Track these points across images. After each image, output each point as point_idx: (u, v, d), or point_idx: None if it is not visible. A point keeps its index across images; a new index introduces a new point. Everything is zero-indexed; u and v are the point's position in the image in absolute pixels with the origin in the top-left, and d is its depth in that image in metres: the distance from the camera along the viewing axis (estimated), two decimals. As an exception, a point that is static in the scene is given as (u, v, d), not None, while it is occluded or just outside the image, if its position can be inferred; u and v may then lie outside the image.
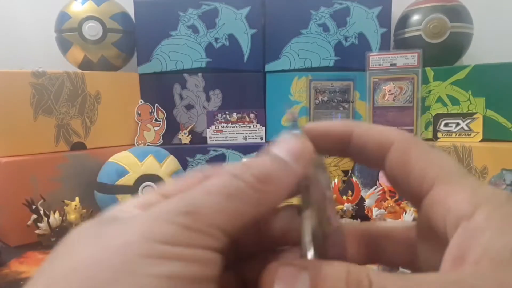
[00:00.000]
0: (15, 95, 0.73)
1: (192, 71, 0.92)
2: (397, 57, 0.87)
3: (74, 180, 0.78)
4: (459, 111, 0.85)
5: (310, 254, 0.16)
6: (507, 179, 0.75)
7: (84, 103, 0.83)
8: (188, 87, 0.92)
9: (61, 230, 0.70)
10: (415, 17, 0.89)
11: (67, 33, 0.89)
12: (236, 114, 0.92)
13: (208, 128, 0.92)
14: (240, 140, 0.92)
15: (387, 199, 0.75)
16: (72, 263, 0.13)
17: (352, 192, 0.80)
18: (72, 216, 0.71)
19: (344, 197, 0.80)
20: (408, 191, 0.17)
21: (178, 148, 0.89)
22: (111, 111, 0.87)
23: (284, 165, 0.16)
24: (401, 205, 0.72)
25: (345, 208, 0.78)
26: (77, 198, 0.73)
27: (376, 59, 0.88)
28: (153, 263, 0.13)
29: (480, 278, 0.12)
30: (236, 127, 0.92)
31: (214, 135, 0.92)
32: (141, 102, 0.91)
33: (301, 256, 0.16)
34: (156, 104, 0.91)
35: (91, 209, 0.75)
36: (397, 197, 0.74)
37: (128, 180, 0.72)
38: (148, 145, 0.90)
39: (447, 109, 0.86)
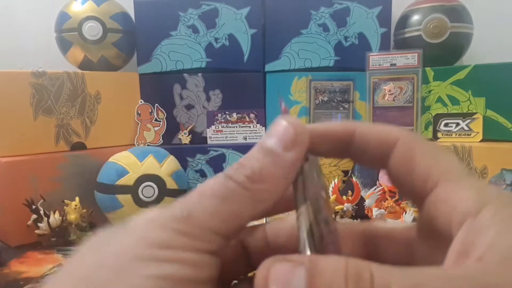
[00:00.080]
0: (15, 95, 0.73)
1: (192, 71, 0.92)
2: (397, 57, 0.87)
3: (74, 180, 0.78)
4: (459, 111, 0.85)
5: (307, 249, 0.15)
6: (507, 179, 0.75)
7: (84, 103, 0.83)
8: (188, 87, 0.92)
9: (61, 230, 0.70)
10: (415, 17, 0.89)
11: (67, 33, 0.89)
12: (236, 114, 0.92)
13: (208, 128, 0.92)
14: (240, 140, 0.92)
15: (387, 199, 0.75)
16: (77, 265, 0.15)
17: (352, 192, 0.80)
18: (72, 216, 0.71)
19: (344, 197, 0.80)
20: (411, 189, 0.17)
21: (178, 148, 0.89)
22: (111, 111, 0.87)
23: (276, 158, 0.16)
24: (401, 205, 0.72)
25: (345, 208, 0.78)
26: (77, 198, 0.73)
27: (376, 59, 0.88)
28: (147, 265, 0.14)
29: (490, 274, 0.12)
30: (236, 127, 0.92)
31: (214, 135, 0.92)
32: (141, 102, 0.91)
33: (299, 252, 0.15)
34: (156, 104, 0.91)
35: (91, 209, 0.75)
36: (397, 197, 0.74)
37: (128, 180, 0.72)
38: (148, 145, 0.90)
39: (447, 109, 0.86)
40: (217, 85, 0.92)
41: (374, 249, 0.19)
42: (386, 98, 0.88)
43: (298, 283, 0.12)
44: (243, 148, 0.89)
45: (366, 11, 0.89)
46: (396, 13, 0.92)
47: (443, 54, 0.89)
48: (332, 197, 0.80)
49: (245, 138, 0.92)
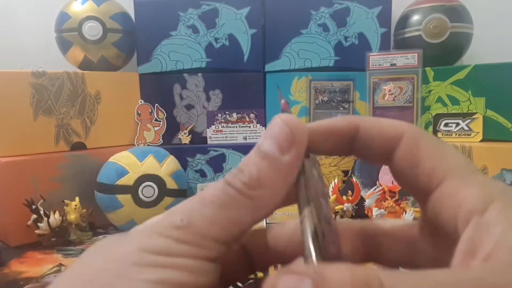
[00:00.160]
0: (15, 95, 0.73)
1: (192, 71, 0.92)
2: (397, 57, 0.87)
3: (74, 180, 0.78)
4: (459, 111, 0.85)
5: (313, 256, 0.15)
6: (507, 179, 0.75)
7: (84, 103, 0.83)
8: (188, 87, 0.92)
9: (61, 230, 0.70)
10: (415, 17, 0.89)
11: (67, 33, 0.89)
12: (236, 114, 0.92)
13: (208, 128, 0.92)
14: (240, 140, 0.92)
15: (387, 199, 0.75)
16: (79, 270, 0.15)
17: (352, 192, 0.80)
18: (72, 216, 0.71)
19: (344, 197, 0.80)
20: (415, 185, 0.17)
21: (178, 148, 0.89)
22: (111, 111, 0.87)
23: (272, 161, 0.16)
24: (401, 205, 0.72)
25: (345, 208, 0.78)
26: (77, 198, 0.73)
27: (376, 59, 0.88)
28: (145, 270, 0.14)
29: (497, 274, 0.12)
30: (236, 127, 0.92)
31: (214, 135, 0.92)
32: (141, 102, 0.91)
33: (304, 259, 0.15)
34: (156, 104, 0.91)
35: (91, 209, 0.75)
36: (397, 197, 0.74)
37: (128, 180, 0.72)
38: (148, 145, 0.90)
39: (447, 109, 0.86)
40: (217, 85, 0.92)
41: (375, 247, 0.19)
42: (386, 98, 0.88)
43: None
44: (243, 148, 0.89)
45: (366, 11, 0.89)
46: (396, 13, 0.92)
47: (443, 54, 0.89)
48: (332, 197, 0.80)
49: (245, 138, 0.92)
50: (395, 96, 0.88)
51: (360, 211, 0.79)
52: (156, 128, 0.91)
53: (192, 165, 0.89)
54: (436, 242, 0.17)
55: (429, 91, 0.87)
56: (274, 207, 0.16)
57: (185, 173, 0.86)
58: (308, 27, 0.90)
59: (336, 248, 0.16)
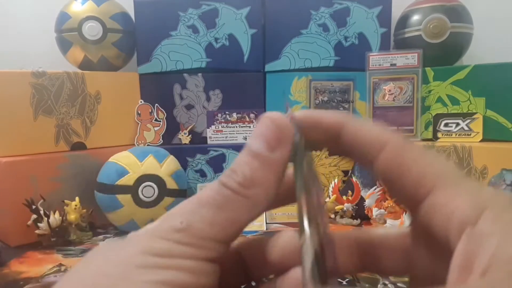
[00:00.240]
0: (15, 95, 0.73)
1: (192, 71, 0.92)
2: (397, 57, 0.87)
3: (74, 180, 0.78)
4: (459, 111, 0.85)
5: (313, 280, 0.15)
6: (507, 179, 0.75)
7: (84, 103, 0.83)
8: (188, 87, 0.92)
9: (61, 230, 0.70)
10: (415, 17, 0.89)
11: (67, 33, 0.89)
12: (236, 114, 0.92)
13: (208, 128, 0.92)
14: (240, 140, 0.92)
15: (387, 199, 0.75)
16: (83, 272, 0.16)
17: (352, 192, 0.80)
18: (72, 216, 0.71)
19: (344, 197, 0.80)
20: (403, 195, 0.16)
21: (178, 148, 0.89)
22: (111, 111, 0.87)
23: (263, 160, 0.16)
24: (401, 205, 0.72)
25: (345, 208, 0.78)
26: (77, 198, 0.73)
27: (376, 59, 0.88)
28: (148, 272, 0.15)
29: None
30: (236, 127, 0.92)
31: (214, 135, 0.92)
32: (141, 102, 0.91)
33: (302, 284, 0.15)
34: (156, 104, 0.91)
35: (91, 209, 0.75)
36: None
37: (128, 180, 0.72)
38: (148, 145, 0.90)
39: (447, 109, 0.86)
40: (217, 85, 0.92)
41: (370, 257, 0.19)
42: (386, 98, 0.88)
43: None
44: (243, 148, 0.89)
45: (366, 11, 0.89)
46: (396, 13, 0.92)
47: (443, 54, 0.89)
48: (332, 197, 0.80)
49: (245, 138, 0.92)
50: (395, 96, 0.88)
51: (360, 211, 0.79)
52: (156, 128, 0.91)
53: (192, 165, 0.89)
54: (430, 251, 0.17)
55: (429, 91, 0.87)
56: (268, 203, 0.17)
57: (185, 173, 0.86)
58: (308, 27, 0.90)
59: (332, 260, 0.16)
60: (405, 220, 0.71)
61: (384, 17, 0.89)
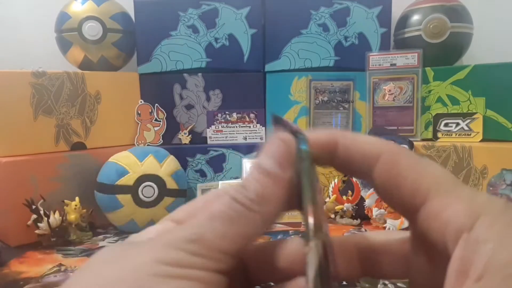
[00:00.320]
0: (15, 95, 0.73)
1: (192, 71, 0.92)
2: (397, 57, 0.87)
3: (74, 180, 0.78)
4: (459, 111, 0.85)
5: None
6: (507, 179, 0.75)
7: (84, 103, 0.83)
8: (188, 87, 0.92)
9: (61, 230, 0.70)
10: (415, 17, 0.89)
11: (67, 33, 0.89)
12: (236, 114, 0.92)
13: (208, 128, 0.92)
14: (240, 140, 0.92)
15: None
16: (95, 280, 0.16)
17: (352, 192, 0.80)
18: (72, 216, 0.71)
19: (344, 197, 0.80)
20: (400, 205, 0.17)
21: (178, 148, 0.89)
22: (111, 111, 0.87)
23: (275, 178, 0.17)
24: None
25: (345, 208, 0.78)
26: (77, 198, 0.73)
27: (376, 59, 0.88)
28: (161, 281, 0.15)
29: None
30: (236, 127, 0.92)
31: (214, 135, 0.92)
32: (141, 102, 0.91)
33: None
34: (156, 104, 0.91)
35: (91, 209, 0.75)
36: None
37: (128, 180, 0.72)
38: (148, 145, 0.90)
39: (447, 109, 0.86)
40: (217, 85, 0.92)
41: (370, 262, 0.19)
42: (386, 98, 0.88)
43: None
44: (243, 148, 0.90)
45: (366, 11, 0.89)
46: (396, 13, 0.92)
47: (443, 54, 0.89)
48: (332, 197, 0.80)
49: (245, 138, 0.92)
50: (395, 96, 0.88)
51: (360, 211, 0.79)
52: (156, 128, 0.91)
53: (192, 165, 0.89)
54: (428, 258, 0.17)
55: (429, 91, 0.87)
56: (276, 218, 0.18)
57: (185, 173, 0.86)
58: (308, 27, 0.90)
59: (333, 266, 0.16)
60: (405, 220, 0.71)
61: (384, 17, 0.89)
